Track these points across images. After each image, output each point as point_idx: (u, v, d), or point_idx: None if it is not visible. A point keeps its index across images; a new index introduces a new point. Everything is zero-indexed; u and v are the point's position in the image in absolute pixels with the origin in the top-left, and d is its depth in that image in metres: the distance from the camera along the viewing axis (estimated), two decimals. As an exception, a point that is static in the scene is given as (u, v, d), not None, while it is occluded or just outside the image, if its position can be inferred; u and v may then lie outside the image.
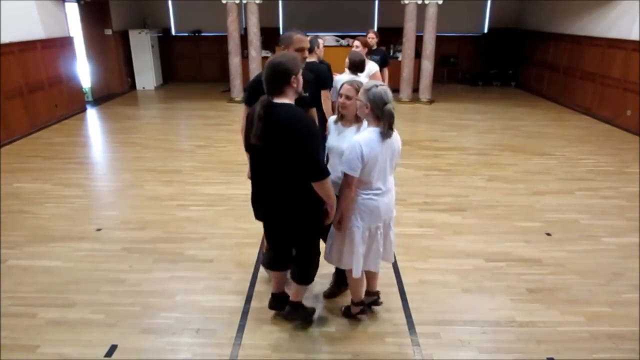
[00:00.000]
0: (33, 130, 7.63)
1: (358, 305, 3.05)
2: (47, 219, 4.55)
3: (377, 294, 3.13)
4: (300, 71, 2.48)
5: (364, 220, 2.68)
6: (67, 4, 8.94)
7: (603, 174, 5.83)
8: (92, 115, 9.24)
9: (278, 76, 2.41)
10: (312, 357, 2.76)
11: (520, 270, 3.67)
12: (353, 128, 2.81)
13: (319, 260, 2.87)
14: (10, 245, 4.02)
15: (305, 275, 2.87)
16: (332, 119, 2.97)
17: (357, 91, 2.64)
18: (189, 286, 3.43)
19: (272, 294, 3.07)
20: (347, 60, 4.26)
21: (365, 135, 2.56)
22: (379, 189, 2.64)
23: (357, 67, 4.22)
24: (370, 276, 3.06)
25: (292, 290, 2.99)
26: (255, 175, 2.66)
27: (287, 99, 2.46)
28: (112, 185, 5.59)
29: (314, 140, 2.45)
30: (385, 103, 2.48)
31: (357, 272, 2.78)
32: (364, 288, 3.07)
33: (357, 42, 5.29)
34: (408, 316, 3.11)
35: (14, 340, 2.87)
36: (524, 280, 3.52)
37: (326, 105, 3.61)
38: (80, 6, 9.78)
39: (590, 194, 5.22)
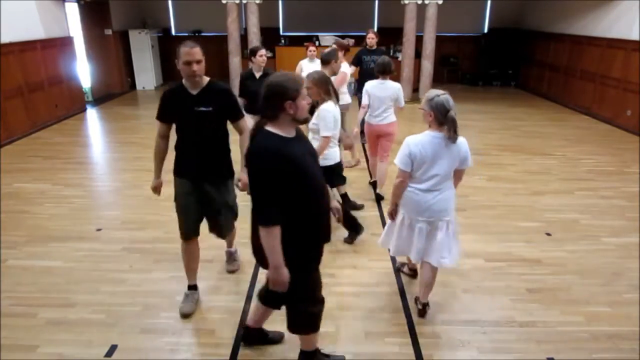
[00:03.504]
0: (33, 130, 7.63)
1: None
2: (47, 219, 4.55)
3: (424, 305, 3.09)
4: (302, 95, 2.10)
5: (404, 209, 2.99)
6: (67, 4, 8.94)
7: (603, 174, 5.83)
8: (92, 115, 9.25)
9: (269, 98, 2.10)
10: (312, 357, 2.75)
11: (520, 270, 3.68)
12: None
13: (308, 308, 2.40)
14: (10, 245, 4.02)
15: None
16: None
17: (312, 82, 3.54)
18: (189, 286, 3.43)
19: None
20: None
21: (417, 136, 2.79)
22: (424, 185, 2.85)
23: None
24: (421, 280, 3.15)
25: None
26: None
27: (277, 127, 2.11)
28: (112, 185, 5.59)
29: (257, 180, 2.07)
30: (448, 110, 2.65)
31: (392, 251, 3.16)
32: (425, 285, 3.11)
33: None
34: (408, 316, 3.11)
35: (14, 340, 2.87)
36: (524, 280, 3.52)
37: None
38: (80, 6, 9.79)
39: (590, 194, 5.21)
